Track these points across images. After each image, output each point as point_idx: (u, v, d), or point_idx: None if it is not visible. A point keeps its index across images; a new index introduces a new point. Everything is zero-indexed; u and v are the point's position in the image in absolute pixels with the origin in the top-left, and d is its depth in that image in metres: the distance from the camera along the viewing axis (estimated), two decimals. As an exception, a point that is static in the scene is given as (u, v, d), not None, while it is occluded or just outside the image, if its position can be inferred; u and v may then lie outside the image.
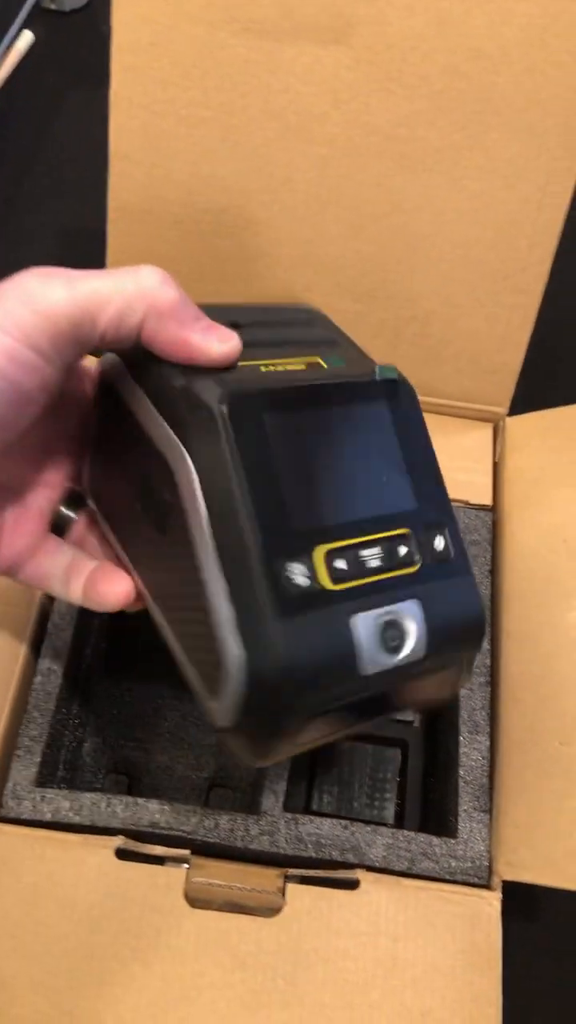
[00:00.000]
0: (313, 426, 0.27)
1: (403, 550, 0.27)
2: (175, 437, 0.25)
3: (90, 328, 0.24)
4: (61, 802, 0.36)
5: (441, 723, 0.42)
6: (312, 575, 0.25)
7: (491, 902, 0.35)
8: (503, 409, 0.46)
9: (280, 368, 0.28)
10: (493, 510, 0.45)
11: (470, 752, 0.38)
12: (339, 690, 0.25)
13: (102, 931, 0.33)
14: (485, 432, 0.47)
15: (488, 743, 0.39)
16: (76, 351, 0.25)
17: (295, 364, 0.28)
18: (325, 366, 0.29)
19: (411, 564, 0.27)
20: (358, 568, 0.26)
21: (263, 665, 0.24)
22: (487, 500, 0.45)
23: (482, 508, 0.45)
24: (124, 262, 0.43)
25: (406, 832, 0.37)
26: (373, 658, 0.26)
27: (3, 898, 0.34)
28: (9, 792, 0.36)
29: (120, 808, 0.36)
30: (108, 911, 0.34)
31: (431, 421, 0.47)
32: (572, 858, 0.35)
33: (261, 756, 0.26)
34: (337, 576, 0.26)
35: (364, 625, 0.25)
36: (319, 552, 0.25)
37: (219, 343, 0.26)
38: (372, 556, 0.26)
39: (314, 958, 0.34)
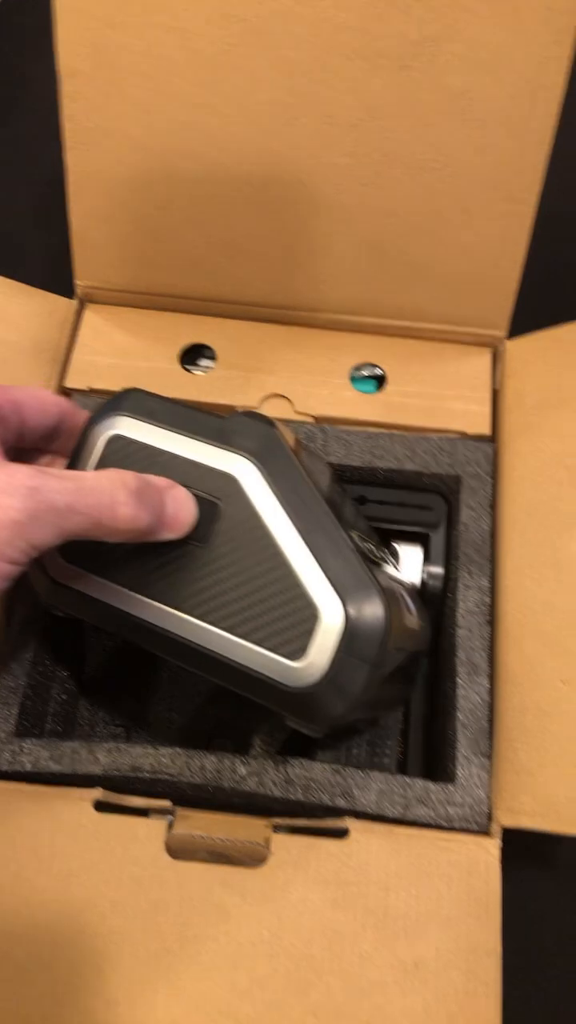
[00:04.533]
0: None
1: (377, 551, 0.35)
2: (234, 453, 0.30)
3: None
4: (40, 752, 0.35)
5: (441, 667, 0.40)
6: (361, 543, 0.30)
7: (489, 849, 0.33)
8: (502, 332, 0.43)
9: None
10: (493, 440, 0.42)
11: (468, 694, 0.36)
12: (399, 630, 0.29)
13: (80, 884, 0.32)
14: (483, 358, 0.44)
15: (488, 685, 0.36)
16: None
17: None
18: None
19: (387, 561, 0.36)
20: (374, 552, 0.33)
21: (364, 599, 0.27)
22: (486, 430, 0.42)
23: (481, 439, 0.42)
24: (86, 189, 0.41)
25: (401, 777, 0.35)
26: (405, 613, 0.31)
27: (-22, 853, 0.33)
28: (-13, 746, 0.35)
29: (102, 755, 0.35)
30: (86, 864, 0.33)
31: (425, 349, 0.44)
32: (573, 801, 0.32)
33: (348, 705, 0.28)
34: (369, 551, 0.31)
35: (394, 587, 0.31)
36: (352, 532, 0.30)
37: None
38: (372, 547, 0.34)
39: (301, 909, 0.32)
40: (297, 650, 0.28)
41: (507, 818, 0.34)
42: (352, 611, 0.27)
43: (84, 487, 0.26)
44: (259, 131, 0.39)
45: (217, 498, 0.30)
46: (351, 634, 0.27)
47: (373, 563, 0.31)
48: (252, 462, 0.29)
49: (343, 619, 0.27)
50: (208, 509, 0.30)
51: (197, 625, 0.29)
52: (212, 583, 0.29)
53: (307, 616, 0.27)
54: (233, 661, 0.29)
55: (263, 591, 0.28)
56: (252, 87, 0.37)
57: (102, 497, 0.27)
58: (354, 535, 0.29)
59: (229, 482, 0.30)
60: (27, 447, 0.32)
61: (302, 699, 0.28)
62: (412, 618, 0.33)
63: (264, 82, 0.37)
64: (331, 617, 0.27)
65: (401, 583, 0.35)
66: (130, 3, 0.36)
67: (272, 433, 0.30)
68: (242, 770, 0.35)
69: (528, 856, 0.43)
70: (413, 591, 0.37)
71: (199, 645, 0.29)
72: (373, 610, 0.27)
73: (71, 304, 0.44)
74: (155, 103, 0.38)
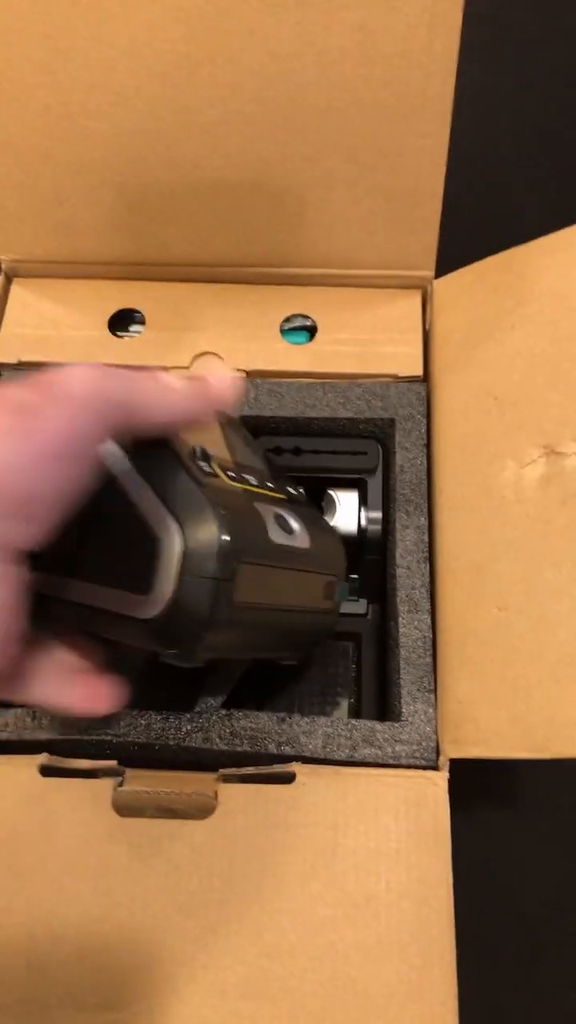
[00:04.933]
0: None
1: (269, 483, 0.33)
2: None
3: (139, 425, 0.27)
4: (-15, 723, 0.35)
5: (386, 609, 0.40)
6: (212, 470, 0.29)
7: (437, 782, 0.33)
8: (429, 272, 0.43)
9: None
10: (425, 380, 0.42)
11: (410, 631, 0.36)
12: (259, 546, 0.30)
13: (29, 849, 0.32)
14: (413, 300, 0.43)
15: (429, 620, 0.36)
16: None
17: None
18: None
19: (280, 493, 0.34)
20: (242, 478, 0.31)
21: (197, 518, 0.27)
22: (418, 371, 0.41)
23: (413, 379, 0.41)
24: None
25: (347, 720, 0.35)
26: (276, 531, 0.31)
27: None
28: None
29: (47, 720, 0.35)
30: (34, 828, 0.33)
31: (355, 296, 0.44)
32: (515, 726, 0.32)
33: (200, 631, 0.27)
34: (229, 476, 0.30)
35: (263, 508, 0.31)
36: (213, 463, 0.30)
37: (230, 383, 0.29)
38: (251, 477, 0.32)
39: (250, 854, 0.32)
40: (147, 582, 0.27)
41: (453, 750, 0.33)
42: (187, 531, 0.27)
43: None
44: (162, 83, 0.38)
45: None
46: (189, 553, 0.27)
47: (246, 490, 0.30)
48: None
49: (180, 541, 0.27)
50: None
51: (83, 586, 0.29)
52: (90, 545, 0.29)
53: (150, 548, 0.27)
54: (106, 609, 0.29)
55: (119, 540, 0.29)
56: (149, 38, 0.37)
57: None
58: (206, 466, 0.29)
59: None
60: None
61: (158, 627, 0.27)
62: (295, 536, 0.32)
63: (160, 32, 0.37)
64: (169, 542, 0.27)
65: (290, 506, 0.34)
66: (17, -39, 0.35)
67: None
68: (187, 726, 0.35)
69: (487, 795, 0.43)
70: (312, 516, 0.35)
71: (86, 604, 0.29)
72: (207, 526, 0.27)
73: (-4, 279, 0.44)
74: (56, 64, 0.38)
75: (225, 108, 0.39)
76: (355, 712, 0.41)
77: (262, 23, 0.36)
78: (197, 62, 0.38)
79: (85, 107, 0.39)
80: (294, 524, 0.32)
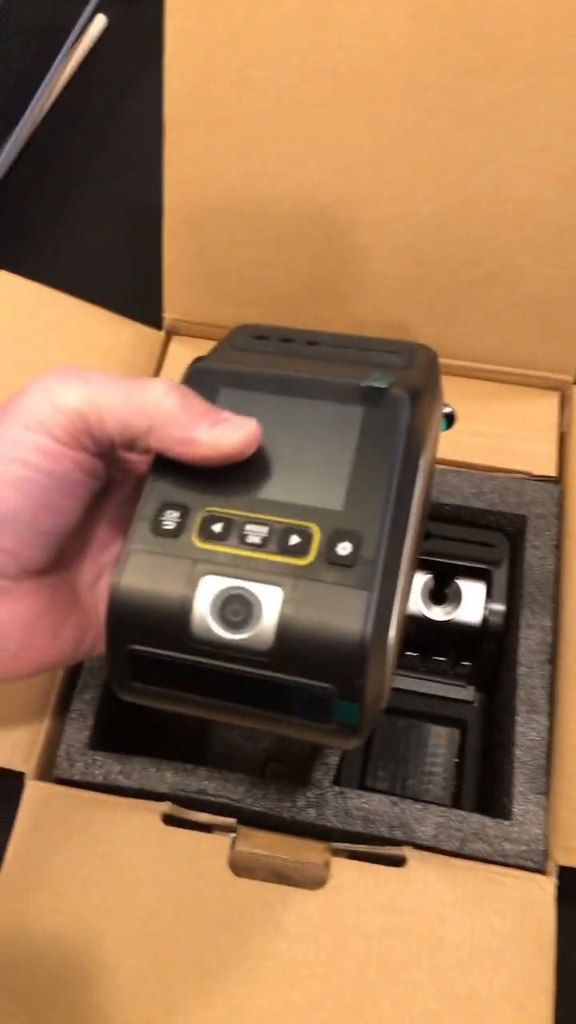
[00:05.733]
0: (265, 411, 0.27)
1: (294, 539, 0.26)
2: None
3: (99, 427, 0.26)
4: (112, 765, 0.37)
5: (500, 703, 0.41)
6: (181, 526, 0.26)
7: (544, 887, 0.34)
8: (569, 376, 0.44)
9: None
10: (559, 481, 0.43)
11: (527, 732, 0.37)
12: (163, 637, 0.25)
13: (145, 893, 0.34)
14: (551, 401, 0.45)
15: (547, 723, 0.37)
16: (95, 444, 0.27)
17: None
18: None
19: (298, 556, 0.25)
20: (233, 536, 0.26)
21: (115, 584, 0.26)
22: (551, 471, 0.43)
23: (546, 479, 0.43)
24: (180, 228, 0.44)
25: (458, 812, 0.35)
26: (204, 623, 0.25)
27: (52, 857, 0.34)
28: (63, 754, 0.37)
29: (169, 774, 0.36)
30: (152, 874, 0.34)
31: (494, 390, 0.45)
32: (633, 845, 0.33)
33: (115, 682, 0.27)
34: (206, 535, 0.26)
35: (208, 586, 0.25)
36: (202, 511, 0.26)
37: (230, 433, 0.26)
38: (255, 532, 0.26)
39: (357, 933, 0.33)
40: None
41: (563, 856, 0.34)
42: (114, 579, 0.27)
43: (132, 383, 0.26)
44: (346, 180, 0.41)
45: None
46: (110, 599, 0.26)
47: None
48: None
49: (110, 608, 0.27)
50: None
51: None
52: None
53: None
54: None
55: None
56: (341, 138, 0.39)
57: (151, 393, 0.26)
58: (172, 517, 0.26)
59: None
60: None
61: None
62: (246, 628, 0.25)
63: (352, 134, 0.39)
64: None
65: (297, 578, 0.25)
66: (231, 59, 0.38)
67: None
68: (301, 801, 0.36)
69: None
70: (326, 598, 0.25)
71: None
72: (110, 602, 0.26)
73: (159, 335, 0.47)
74: (249, 152, 0.40)
75: (400, 207, 0.41)
76: (454, 799, 0.42)
77: (448, 135, 0.39)
78: (379, 163, 0.40)
79: (269, 193, 0.41)
80: (259, 608, 0.25)
